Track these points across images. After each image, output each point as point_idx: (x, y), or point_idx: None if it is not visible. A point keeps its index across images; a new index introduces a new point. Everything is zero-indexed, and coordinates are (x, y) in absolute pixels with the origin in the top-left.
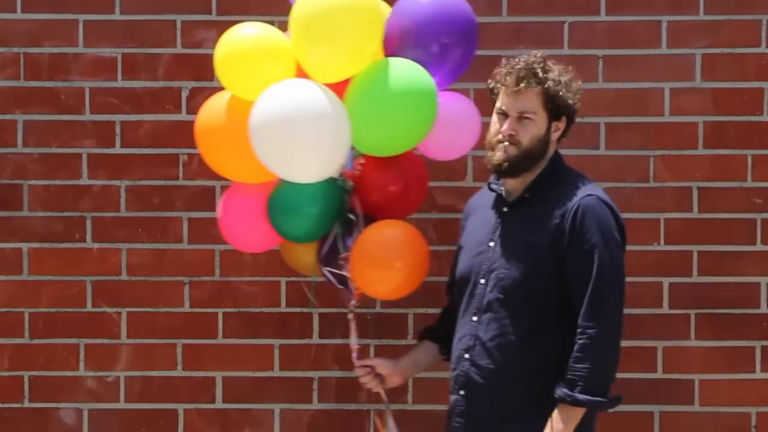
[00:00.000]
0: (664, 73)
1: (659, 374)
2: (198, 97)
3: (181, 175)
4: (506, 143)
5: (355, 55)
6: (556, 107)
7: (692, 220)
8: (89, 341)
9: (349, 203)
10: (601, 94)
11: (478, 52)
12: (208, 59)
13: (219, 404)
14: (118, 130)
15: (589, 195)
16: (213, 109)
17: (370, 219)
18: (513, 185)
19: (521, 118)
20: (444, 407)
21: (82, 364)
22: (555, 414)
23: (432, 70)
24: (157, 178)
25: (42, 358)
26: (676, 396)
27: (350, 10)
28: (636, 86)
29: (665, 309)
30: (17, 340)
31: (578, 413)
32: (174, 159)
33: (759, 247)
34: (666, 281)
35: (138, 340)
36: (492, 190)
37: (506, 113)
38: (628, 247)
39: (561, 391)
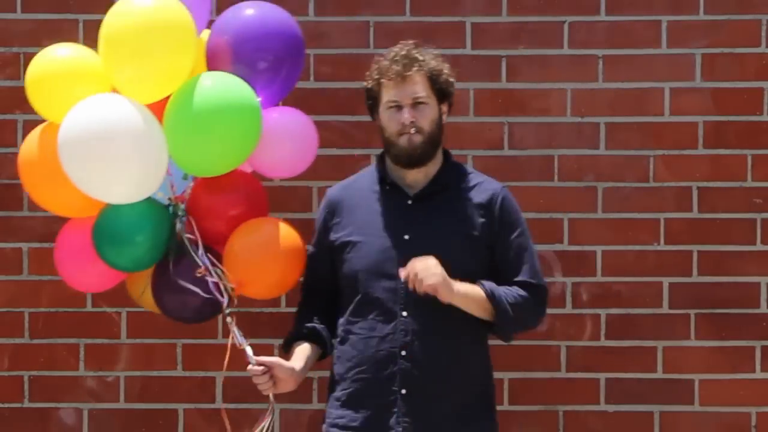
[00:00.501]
0: (664, 73)
1: (659, 374)
2: None
3: None
4: (410, 132)
5: (168, 74)
6: (441, 89)
7: (692, 220)
8: (89, 341)
9: (185, 228)
10: (601, 94)
11: (478, 52)
12: None
13: (219, 404)
14: None
15: (502, 186)
16: (32, 140)
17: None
18: (415, 177)
19: (416, 104)
20: None
21: (82, 364)
22: (465, 283)
23: (258, 86)
24: None
25: (42, 358)
26: (676, 396)
27: (159, 28)
28: (636, 86)
29: (665, 309)
30: (17, 340)
31: (479, 303)
32: None
33: (759, 247)
34: (666, 281)
35: (138, 340)
36: (386, 182)
37: (399, 104)
38: (628, 247)
39: (489, 283)
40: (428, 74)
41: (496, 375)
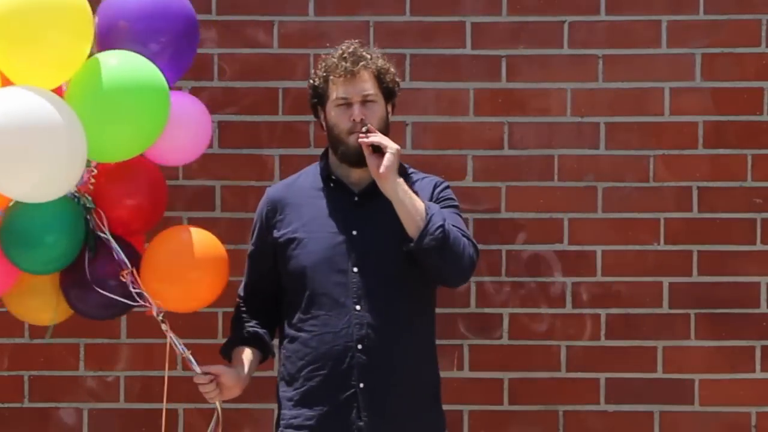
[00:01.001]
0: (664, 73)
1: (659, 374)
2: (198, 97)
3: (181, 175)
4: (360, 131)
5: (66, 59)
6: (387, 87)
7: (692, 220)
8: (89, 341)
9: (96, 221)
10: (601, 94)
11: (478, 52)
12: (208, 59)
13: (219, 404)
14: None
15: (442, 180)
16: None
17: (118, 238)
18: (360, 175)
19: (365, 102)
20: None
21: (82, 364)
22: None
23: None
24: None
25: (42, 358)
26: (676, 396)
27: (52, 8)
28: (636, 86)
29: (665, 309)
30: (17, 340)
31: (415, 203)
32: None
33: (759, 247)
34: (666, 281)
35: (138, 340)
36: (331, 180)
37: (348, 101)
38: (628, 247)
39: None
40: (375, 72)
41: (497, 375)
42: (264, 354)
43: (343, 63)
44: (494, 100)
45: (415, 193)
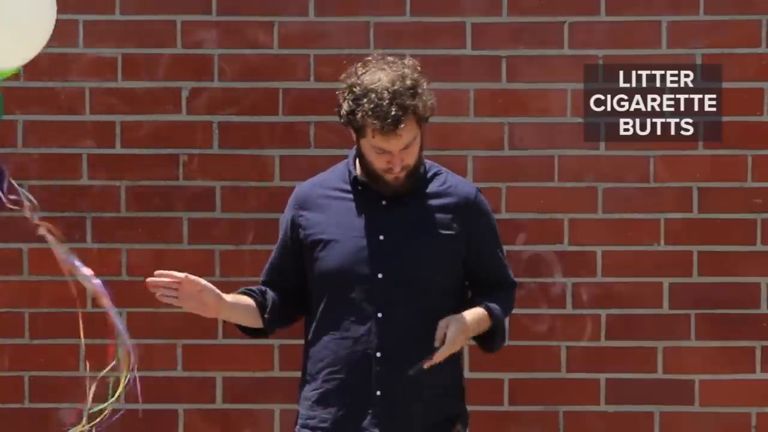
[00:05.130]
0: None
1: (659, 374)
2: (198, 98)
3: (181, 175)
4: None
5: None
6: (425, 117)
7: (692, 220)
8: (89, 341)
9: None
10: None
11: (478, 52)
12: (209, 59)
13: (219, 404)
14: (118, 130)
15: (476, 189)
16: None
17: None
18: None
19: (404, 148)
20: None
21: (82, 364)
22: (475, 313)
23: None
24: (157, 178)
25: (42, 358)
26: (676, 396)
27: None
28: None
29: (665, 309)
30: (17, 340)
31: (482, 326)
32: (174, 159)
33: (759, 247)
34: (666, 281)
35: (138, 340)
36: (359, 184)
37: (387, 150)
38: (628, 247)
39: (493, 305)
40: (416, 116)
41: (497, 375)
42: (262, 318)
43: (385, 122)
44: (494, 100)
45: (441, 201)
